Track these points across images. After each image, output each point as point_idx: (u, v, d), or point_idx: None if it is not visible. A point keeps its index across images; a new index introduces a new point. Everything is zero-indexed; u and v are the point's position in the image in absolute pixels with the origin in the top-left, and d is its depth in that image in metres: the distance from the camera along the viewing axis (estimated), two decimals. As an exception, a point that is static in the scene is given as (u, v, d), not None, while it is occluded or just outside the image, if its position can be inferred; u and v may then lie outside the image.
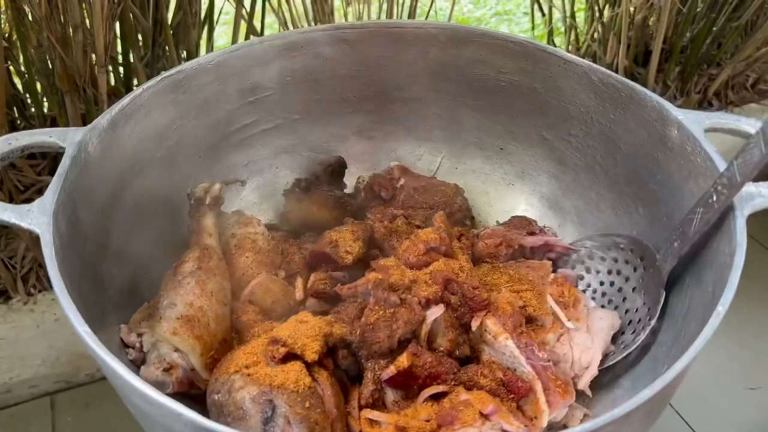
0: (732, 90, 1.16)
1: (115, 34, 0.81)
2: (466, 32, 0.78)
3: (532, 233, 0.75)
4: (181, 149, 0.73)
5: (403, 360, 0.57)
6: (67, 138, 0.60)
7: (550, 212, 0.82)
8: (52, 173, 0.56)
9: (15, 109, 0.83)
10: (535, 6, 1.20)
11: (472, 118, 0.84)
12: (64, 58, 0.76)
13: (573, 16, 1.17)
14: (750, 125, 0.62)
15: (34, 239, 0.51)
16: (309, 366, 0.56)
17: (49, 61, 0.79)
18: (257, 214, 0.80)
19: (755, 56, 1.13)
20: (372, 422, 0.56)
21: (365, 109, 0.84)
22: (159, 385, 0.57)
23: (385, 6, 0.97)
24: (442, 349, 0.60)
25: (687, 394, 0.81)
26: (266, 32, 0.98)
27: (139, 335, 0.60)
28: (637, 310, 0.67)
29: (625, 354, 0.65)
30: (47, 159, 0.85)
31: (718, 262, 0.56)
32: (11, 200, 0.82)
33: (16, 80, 0.83)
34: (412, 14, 0.98)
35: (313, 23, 0.95)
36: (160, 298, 0.62)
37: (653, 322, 0.64)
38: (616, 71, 1.08)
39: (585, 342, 0.65)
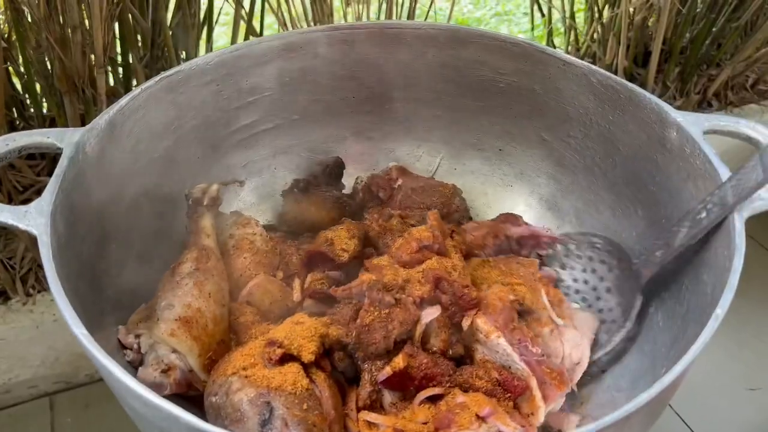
0: (732, 91, 1.16)
1: (114, 34, 0.81)
2: (465, 33, 0.78)
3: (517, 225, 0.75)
4: (179, 150, 0.73)
5: (399, 361, 0.57)
6: (64, 138, 0.60)
7: (548, 213, 0.82)
8: (51, 174, 0.56)
9: (14, 109, 0.83)
10: (535, 7, 1.20)
11: (471, 119, 0.83)
12: (63, 59, 0.76)
13: (572, 16, 1.17)
14: (749, 128, 0.62)
15: (33, 240, 0.51)
16: (306, 368, 0.56)
17: (48, 62, 0.79)
18: (255, 214, 0.80)
19: (755, 57, 1.12)
20: (370, 424, 0.56)
21: (364, 109, 0.84)
22: (157, 387, 0.57)
23: (384, 7, 0.97)
24: (435, 349, 0.60)
25: (686, 395, 0.81)
26: (265, 33, 0.98)
27: (137, 336, 0.60)
28: (611, 310, 0.68)
29: (600, 355, 0.65)
30: (46, 159, 0.85)
31: (717, 264, 0.56)
32: (10, 201, 0.82)
33: (15, 81, 0.83)
34: (411, 15, 0.98)
35: (312, 24, 0.95)
36: (157, 299, 0.62)
37: (629, 325, 0.64)
38: (616, 72, 1.08)
39: (575, 338, 0.65)
